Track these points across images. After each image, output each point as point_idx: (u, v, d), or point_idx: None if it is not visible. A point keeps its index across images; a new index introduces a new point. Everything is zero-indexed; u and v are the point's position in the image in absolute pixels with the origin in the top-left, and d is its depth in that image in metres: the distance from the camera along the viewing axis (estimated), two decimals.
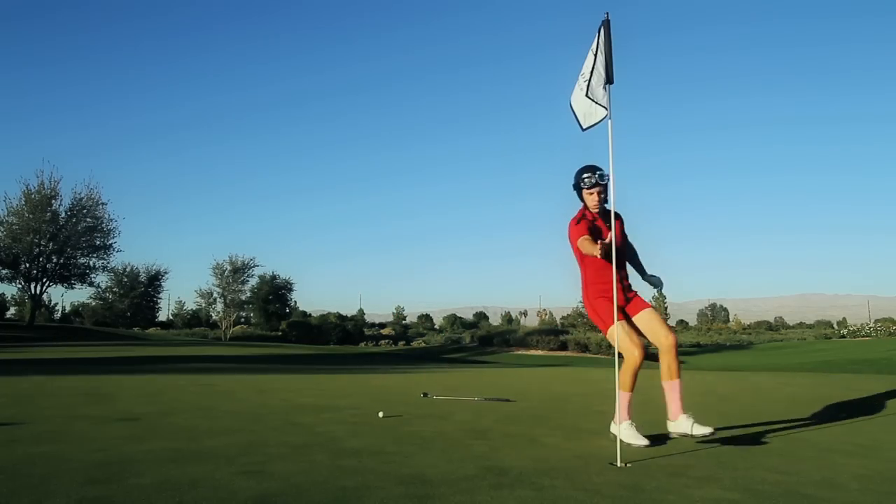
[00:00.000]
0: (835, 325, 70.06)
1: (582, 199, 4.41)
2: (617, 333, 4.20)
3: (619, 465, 3.53)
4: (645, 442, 4.03)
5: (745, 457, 3.98)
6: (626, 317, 4.36)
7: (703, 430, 4.05)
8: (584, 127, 4.17)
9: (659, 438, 4.25)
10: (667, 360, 4.23)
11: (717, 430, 4.20)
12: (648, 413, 5.00)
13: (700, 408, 6.90)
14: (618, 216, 4.46)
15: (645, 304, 4.46)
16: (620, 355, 4.25)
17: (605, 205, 4.38)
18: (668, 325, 4.39)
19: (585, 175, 4.33)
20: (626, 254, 4.51)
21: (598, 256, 4.02)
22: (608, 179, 4.25)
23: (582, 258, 4.37)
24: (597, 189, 4.30)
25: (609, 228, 4.27)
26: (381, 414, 5.11)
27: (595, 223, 4.34)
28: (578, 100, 4.19)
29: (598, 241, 4.03)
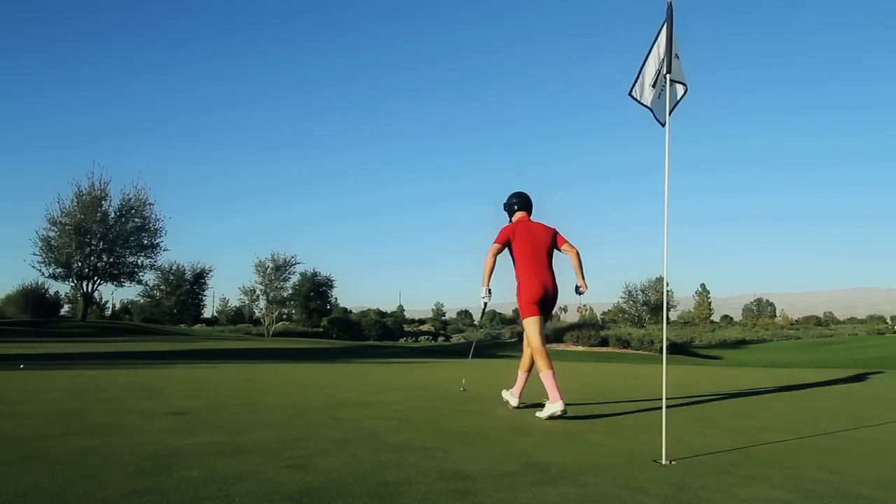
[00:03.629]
0: (888, 321, 67.68)
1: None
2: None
3: (663, 462, 3.47)
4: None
5: (795, 455, 3.87)
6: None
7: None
8: (665, 120, 4.14)
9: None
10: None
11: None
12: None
13: (745, 404, 6.75)
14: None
15: None
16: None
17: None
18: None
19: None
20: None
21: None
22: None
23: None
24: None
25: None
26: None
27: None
28: (653, 97, 4.18)
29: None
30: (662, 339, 4.61)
